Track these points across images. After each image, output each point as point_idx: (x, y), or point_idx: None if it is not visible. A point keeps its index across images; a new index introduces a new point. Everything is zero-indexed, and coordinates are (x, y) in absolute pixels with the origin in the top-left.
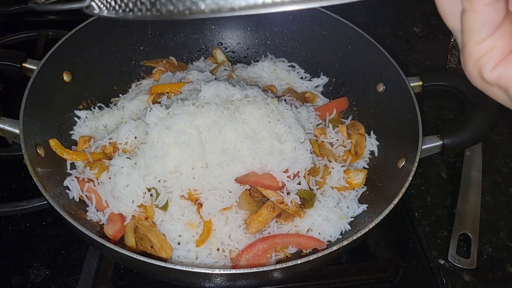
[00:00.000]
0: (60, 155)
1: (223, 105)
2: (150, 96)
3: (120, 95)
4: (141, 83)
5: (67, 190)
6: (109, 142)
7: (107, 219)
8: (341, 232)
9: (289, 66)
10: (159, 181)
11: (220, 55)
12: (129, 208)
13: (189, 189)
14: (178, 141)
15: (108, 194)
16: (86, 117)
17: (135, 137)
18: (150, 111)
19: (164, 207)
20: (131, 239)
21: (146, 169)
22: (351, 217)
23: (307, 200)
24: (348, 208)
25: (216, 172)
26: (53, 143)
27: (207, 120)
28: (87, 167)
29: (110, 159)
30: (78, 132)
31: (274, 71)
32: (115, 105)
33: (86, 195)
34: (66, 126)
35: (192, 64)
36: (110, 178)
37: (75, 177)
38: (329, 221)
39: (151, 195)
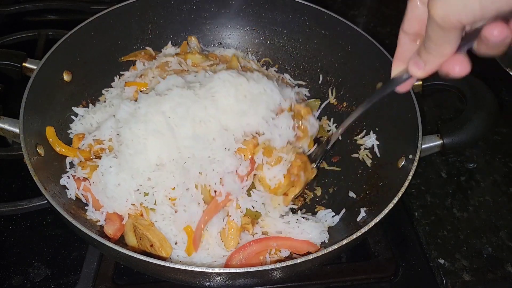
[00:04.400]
0: (53, 146)
1: (186, 85)
2: (134, 93)
3: (104, 91)
4: (123, 74)
5: (66, 189)
6: (93, 140)
7: (105, 219)
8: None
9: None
10: (148, 178)
11: (192, 43)
12: (123, 207)
13: (170, 190)
14: (149, 131)
15: (101, 193)
16: (82, 115)
17: (117, 134)
18: (119, 108)
19: (152, 208)
20: (132, 239)
21: (131, 167)
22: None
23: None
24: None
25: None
26: (49, 131)
27: (171, 103)
28: (79, 167)
29: (100, 158)
30: (74, 130)
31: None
32: (104, 102)
33: (82, 194)
34: (66, 125)
35: (160, 51)
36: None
37: (71, 175)
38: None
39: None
